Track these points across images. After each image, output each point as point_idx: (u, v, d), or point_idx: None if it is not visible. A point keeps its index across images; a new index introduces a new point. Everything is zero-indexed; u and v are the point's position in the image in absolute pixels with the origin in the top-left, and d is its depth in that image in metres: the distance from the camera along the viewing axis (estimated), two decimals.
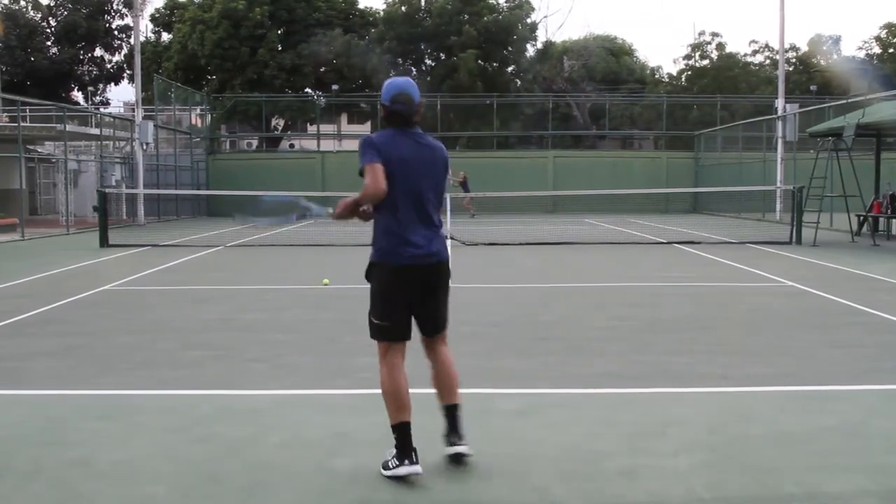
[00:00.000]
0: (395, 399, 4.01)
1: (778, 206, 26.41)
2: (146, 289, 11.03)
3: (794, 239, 17.21)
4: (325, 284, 10.90)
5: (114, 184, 27.25)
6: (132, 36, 34.73)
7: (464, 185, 27.89)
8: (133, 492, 3.83)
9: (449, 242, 17.00)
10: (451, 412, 4.15)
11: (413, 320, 4.14)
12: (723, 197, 29.87)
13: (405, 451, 3.92)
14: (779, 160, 26.72)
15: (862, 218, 18.96)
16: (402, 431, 3.96)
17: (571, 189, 30.00)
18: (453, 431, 4.12)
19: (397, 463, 3.93)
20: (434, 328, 4.19)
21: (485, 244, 17.14)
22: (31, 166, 30.77)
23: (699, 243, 17.50)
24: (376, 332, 4.10)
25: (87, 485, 3.93)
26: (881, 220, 18.75)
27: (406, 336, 4.10)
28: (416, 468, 3.89)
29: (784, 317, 8.64)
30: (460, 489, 3.84)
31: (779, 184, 25.78)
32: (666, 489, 3.81)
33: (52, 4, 47.70)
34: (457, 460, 4.08)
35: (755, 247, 16.69)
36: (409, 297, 4.06)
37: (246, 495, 3.78)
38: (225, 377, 6.07)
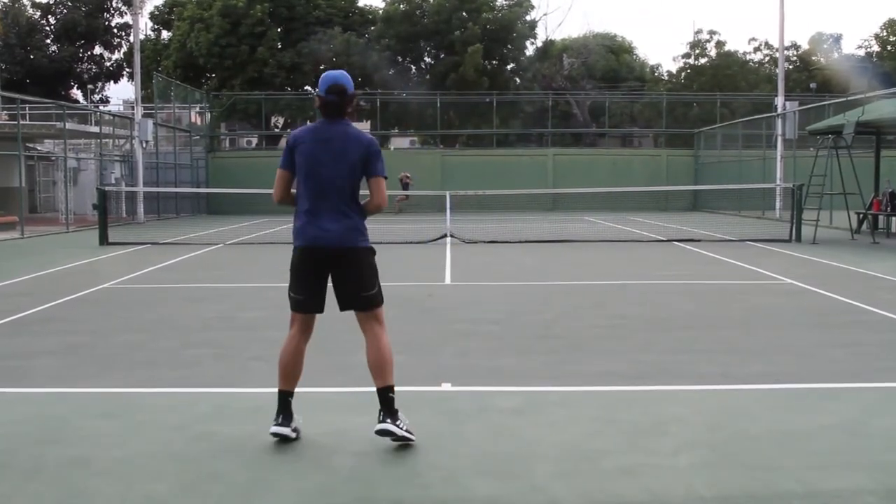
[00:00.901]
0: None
1: (778, 204, 26.41)
2: (146, 287, 11.03)
3: (793, 237, 17.22)
4: None
5: (113, 182, 27.24)
6: (132, 34, 34.71)
7: (405, 185, 29.46)
8: (133, 490, 3.83)
9: (448, 240, 17.07)
10: (379, 395, 4.33)
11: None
12: (722, 195, 29.87)
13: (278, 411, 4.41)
14: (779, 158, 26.72)
15: (861, 216, 18.96)
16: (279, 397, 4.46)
17: (571, 187, 30.00)
18: (382, 411, 4.30)
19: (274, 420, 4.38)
20: (344, 304, 4.49)
21: (484, 242, 17.13)
22: (31, 164, 30.80)
23: (699, 241, 17.50)
24: None
25: (88, 483, 3.93)
26: (881, 217, 18.75)
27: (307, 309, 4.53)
28: (279, 429, 4.34)
29: (784, 315, 8.64)
30: (460, 487, 3.84)
31: (778, 182, 25.78)
32: (666, 487, 3.81)
33: (51, 2, 47.65)
34: (383, 435, 4.26)
35: (755, 245, 16.69)
36: (315, 274, 4.44)
37: (246, 493, 3.78)
38: (225, 375, 6.08)
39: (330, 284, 4.48)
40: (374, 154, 4.40)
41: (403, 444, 4.33)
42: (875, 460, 4.17)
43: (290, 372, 4.49)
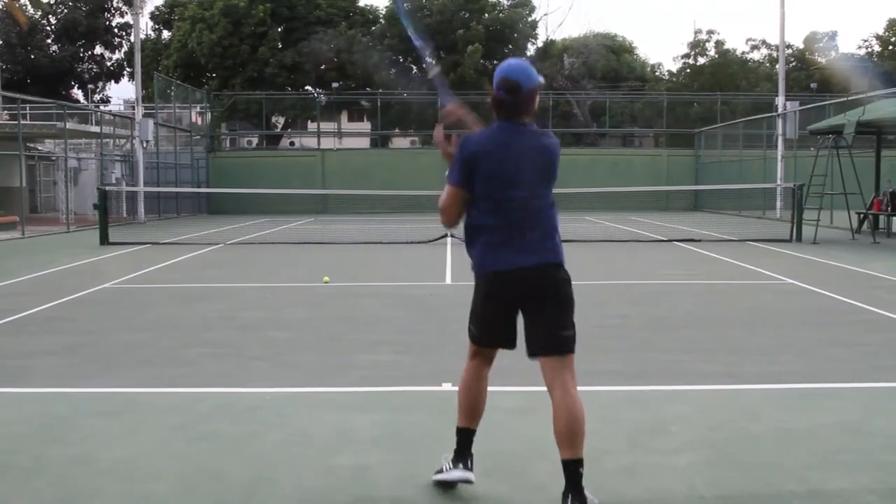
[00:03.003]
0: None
1: (778, 204, 26.40)
2: (147, 286, 11.03)
3: (794, 237, 17.21)
4: (326, 282, 10.90)
5: (114, 181, 27.25)
6: (132, 34, 34.70)
7: None
8: (134, 489, 3.83)
9: (449, 240, 17.06)
10: (566, 469, 3.42)
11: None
12: (723, 194, 29.86)
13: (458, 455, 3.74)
14: (779, 158, 26.71)
15: (862, 216, 18.95)
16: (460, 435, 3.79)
17: (572, 186, 29.91)
18: (571, 489, 3.40)
19: (450, 466, 3.75)
20: (539, 346, 3.65)
21: None
22: (32, 164, 30.78)
23: (700, 241, 17.49)
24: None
25: (89, 482, 3.93)
26: (881, 217, 18.74)
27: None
28: (467, 475, 3.70)
29: (784, 314, 8.63)
30: (460, 486, 3.83)
31: (779, 181, 25.77)
32: (667, 487, 3.81)
33: (52, 2, 47.66)
34: None
35: (755, 244, 16.69)
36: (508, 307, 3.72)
37: (247, 493, 3.78)
38: (226, 375, 6.08)
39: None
40: (557, 163, 3.73)
41: (404, 446, 4.32)
42: (876, 460, 4.17)
43: (472, 406, 3.82)
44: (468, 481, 3.72)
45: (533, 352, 3.59)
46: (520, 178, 3.54)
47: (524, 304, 3.59)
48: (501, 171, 3.51)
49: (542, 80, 3.62)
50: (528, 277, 3.55)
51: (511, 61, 3.63)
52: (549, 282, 3.61)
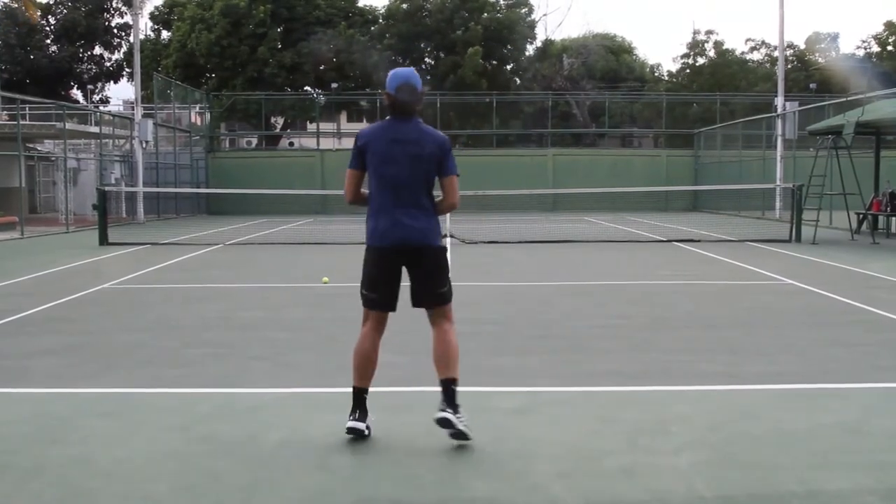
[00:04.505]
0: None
1: (777, 204, 26.41)
2: (146, 287, 11.03)
3: (793, 237, 17.22)
4: (325, 283, 10.90)
5: (113, 182, 27.24)
6: (131, 34, 34.70)
7: None
8: (134, 490, 3.83)
9: (448, 241, 17.06)
10: (442, 386, 4.38)
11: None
12: (722, 195, 29.87)
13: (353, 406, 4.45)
14: (778, 158, 26.71)
15: (861, 216, 18.96)
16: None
17: (571, 187, 29.98)
18: (443, 401, 4.33)
19: (353, 418, 4.43)
20: (418, 301, 4.52)
21: (484, 242, 17.14)
22: (31, 165, 30.78)
23: (699, 241, 17.50)
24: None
25: (88, 483, 3.93)
26: (881, 218, 18.75)
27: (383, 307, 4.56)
28: (355, 424, 4.37)
29: (784, 315, 8.64)
30: (459, 487, 3.84)
31: (778, 182, 25.77)
32: (667, 487, 3.81)
33: (50, 3, 47.63)
34: (442, 425, 4.28)
35: (755, 245, 16.69)
36: (392, 273, 4.52)
37: (246, 493, 3.78)
38: (225, 375, 6.07)
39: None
40: (447, 152, 4.41)
41: (404, 446, 4.33)
42: (876, 460, 4.17)
43: (365, 368, 4.48)
44: (359, 430, 4.38)
45: (416, 304, 4.54)
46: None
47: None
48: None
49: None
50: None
51: (404, 70, 4.43)
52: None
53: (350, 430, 4.39)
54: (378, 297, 4.50)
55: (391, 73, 4.41)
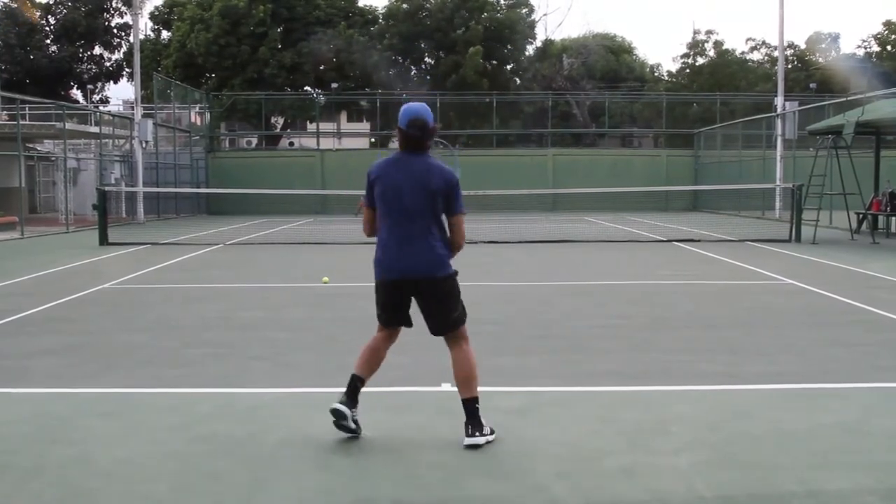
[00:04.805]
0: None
1: (777, 204, 26.41)
2: (146, 287, 11.03)
3: (793, 237, 17.22)
4: (325, 283, 10.90)
5: (113, 182, 27.23)
6: (131, 34, 34.71)
7: None
8: (134, 489, 3.83)
9: None
10: (464, 405, 4.43)
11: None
12: (722, 195, 29.87)
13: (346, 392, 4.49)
14: (778, 158, 26.71)
15: (861, 216, 18.96)
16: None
17: (571, 187, 29.98)
18: (466, 423, 4.39)
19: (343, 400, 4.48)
20: (434, 330, 4.55)
21: (484, 242, 17.13)
22: (31, 165, 30.78)
23: (699, 241, 17.50)
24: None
25: (88, 482, 3.93)
26: (880, 217, 18.75)
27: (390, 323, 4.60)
28: (337, 405, 4.41)
29: (784, 315, 8.64)
30: (460, 487, 3.84)
31: (778, 182, 25.77)
32: (667, 487, 3.81)
33: (50, 3, 47.63)
34: (472, 449, 4.32)
35: (755, 245, 16.69)
36: (399, 300, 4.54)
37: (246, 493, 3.78)
38: (225, 375, 6.07)
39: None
40: (454, 189, 4.38)
41: (404, 446, 4.34)
42: (875, 460, 4.17)
43: (369, 359, 4.55)
44: (340, 412, 4.40)
45: (434, 333, 4.56)
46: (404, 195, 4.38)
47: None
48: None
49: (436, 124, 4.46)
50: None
51: (416, 105, 4.40)
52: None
53: (333, 412, 4.39)
54: (387, 318, 4.56)
55: (403, 108, 4.40)
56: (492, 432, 4.41)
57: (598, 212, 29.17)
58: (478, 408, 4.39)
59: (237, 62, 40.87)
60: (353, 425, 4.43)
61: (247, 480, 3.93)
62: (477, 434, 4.33)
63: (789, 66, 41.12)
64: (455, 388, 5.55)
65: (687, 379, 5.90)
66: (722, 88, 43.03)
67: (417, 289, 4.42)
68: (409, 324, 4.57)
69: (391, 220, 4.39)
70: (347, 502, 3.71)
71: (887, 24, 49.08)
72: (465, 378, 4.44)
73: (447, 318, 4.45)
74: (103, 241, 17.15)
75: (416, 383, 5.62)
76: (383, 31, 43.45)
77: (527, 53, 47.22)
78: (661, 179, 34.53)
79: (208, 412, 5.06)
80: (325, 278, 11.08)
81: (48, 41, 47.98)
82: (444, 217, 4.44)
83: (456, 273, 4.47)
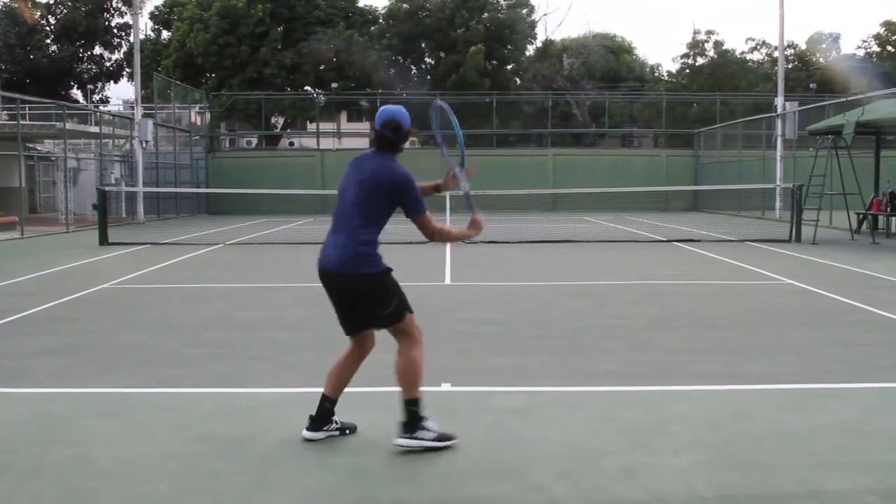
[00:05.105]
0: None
1: (777, 204, 26.41)
2: (146, 287, 11.03)
3: (793, 237, 17.21)
4: None
5: (113, 182, 27.23)
6: (132, 34, 34.71)
7: None
8: (134, 489, 3.83)
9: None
10: (402, 406, 4.36)
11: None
12: (722, 195, 29.87)
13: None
14: (778, 158, 26.71)
15: (861, 216, 18.96)
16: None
17: (571, 187, 29.99)
18: (400, 423, 4.36)
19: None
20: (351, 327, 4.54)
21: (484, 242, 17.13)
22: (31, 164, 30.77)
23: (699, 241, 17.50)
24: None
25: (88, 482, 3.93)
26: (881, 218, 18.75)
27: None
28: (306, 433, 4.44)
29: (784, 315, 8.63)
30: (460, 487, 3.84)
31: (778, 182, 25.77)
32: (667, 487, 3.81)
33: (50, 3, 47.63)
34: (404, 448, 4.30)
35: (755, 245, 16.69)
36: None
37: (246, 493, 3.78)
38: (225, 375, 6.07)
39: None
40: (405, 190, 4.29)
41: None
42: (875, 460, 4.17)
43: (332, 376, 4.53)
44: (312, 439, 4.43)
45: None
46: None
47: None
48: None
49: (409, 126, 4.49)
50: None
51: (391, 107, 4.51)
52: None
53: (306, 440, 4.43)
54: (341, 321, 4.50)
55: (380, 109, 4.48)
56: (442, 439, 4.29)
57: (598, 212, 29.17)
58: (415, 410, 4.29)
59: (237, 62, 40.87)
60: (336, 434, 4.46)
61: (247, 480, 3.93)
62: (408, 436, 4.26)
63: (789, 67, 41.11)
64: (455, 388, 5.55)
65: (687, 379, 5.90)
66: (722, 88, 43.03)
67: (334, 283, 4.35)
68: (354, 331, 4.49)
69: (334, 212, 4.42)
70: (347, 502, 3.71)
71: (886, 24, 49.08)
72: (401, 377, 4.33)
73: (375, 314, 4.33)
74: (103, 241, 17.14)
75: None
76: (383, 31, 43.45)
77: (527, 53, 47.21)
78: (661, 179, 34.53)
79: (208, 412, 5.06)
80: None
81: (48, 41, 47.97)
82: (385, 218, 4.37)
83: (383, 271, 4.33)
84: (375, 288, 4.32)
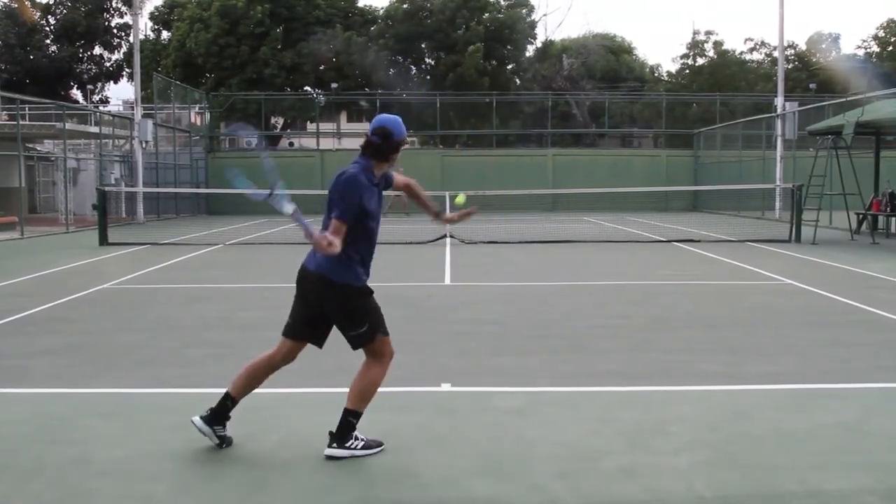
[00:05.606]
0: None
1: (777, 205, 26.41)
2: (146, 287, 11.03)
3: (793, 237, 17.21)
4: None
5: (113, 182, 27.22)
6: (131, 34, 34.70)
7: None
8: (133, 489, 3.83)
9: (448, 240, 17.06)
10: (342, 413, 4.30)
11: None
12: (722, 195, 29.86)
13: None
14: (778, 158, 26.71)
15: (861, 216, 18.97)
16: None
17: (571, 187, 29.99)
18: (332, 432, 4.29)
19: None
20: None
21: (484, 242, 17.13)
22: (31, 165, 30.76)
23: (699, 241, 17.50)
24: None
25: (88, 482, 3.93)
26: (880, 218, 18.76)
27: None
28: (195, 420, 4.33)
29: (784, 315, 8.64)
30: (459, 487, 3.84)
31: (778, 182, 25.77)
32: (666, 487, 3.81)
33: (50, 3, 47.64)
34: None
35: (754, 245, 16.69)
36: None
37: (245, 493, 3.78)
38: (225, 375, 6.03)
39: None
40: (336, 191, 4.19)
41: (404, 446, 4.34)
42: (875, 460, 4.17)
43: (243, 377, 4.44)
44: (197, 428, 4.32)
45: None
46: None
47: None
48: None
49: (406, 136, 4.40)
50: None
51: (384, 116, 4.37)
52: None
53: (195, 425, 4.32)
54: (291, 322, 4.45)
55: (375, 118, 4.41)
56: (373, 447, 4.26)
57: (597, 212, 29.17)
58: (353, 423, 4.22)
59: (237, 62, 40.88)
60: (216, 440, 4.34)
61: (245, 480, 3.93)
62: (335, 445, 4.20)
63: (789, 67, 41.12)
64: (455, 388, 5.55)
65: (687, 379, 5.91)
66: (722, 89, 43.03)
67: (311, 285, 4.28)
68: (301, 337, 4.43)
69: (323, 220, 4.29)
70: (347, 502, 3.71)
71: (886, 24, 49.08)
72: (356, 389, 4.28)
73: (344, 332, 4.29)
74: (103, 241, 17.14)
75: (416, 383, 5.62)
76: (382, 31, 43.45)
77: (527, 53, 47.22)
78: (660, 179, 34.53)
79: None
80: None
81: (48, 41, 47.97)
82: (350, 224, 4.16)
83: (362, 288, 4.23)
84: (350, 304, 4.23)
